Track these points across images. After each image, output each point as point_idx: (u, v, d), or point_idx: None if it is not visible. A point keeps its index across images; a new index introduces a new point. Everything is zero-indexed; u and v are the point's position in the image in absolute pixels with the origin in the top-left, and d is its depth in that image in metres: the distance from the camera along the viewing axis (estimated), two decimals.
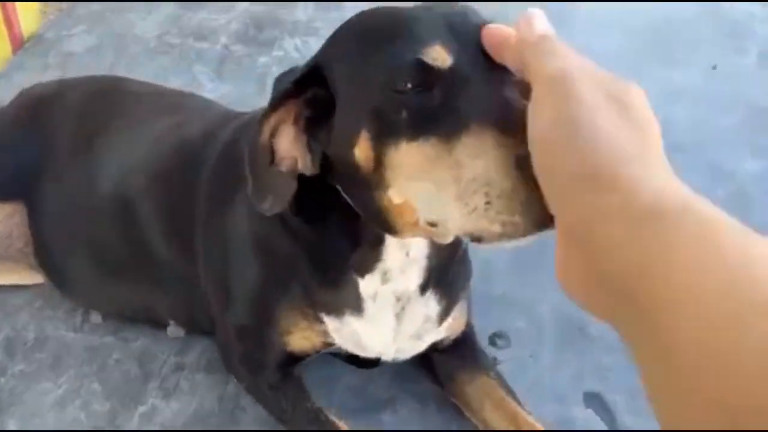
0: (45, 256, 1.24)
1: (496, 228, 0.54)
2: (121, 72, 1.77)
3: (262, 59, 1.86)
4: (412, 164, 0.63)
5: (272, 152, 0.74)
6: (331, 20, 1.94)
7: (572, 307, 0.42)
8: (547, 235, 0.51)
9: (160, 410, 1.12)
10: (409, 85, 0.62)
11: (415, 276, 0.91)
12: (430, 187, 0.61)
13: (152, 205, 1.09)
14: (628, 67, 1.51)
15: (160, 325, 1.21)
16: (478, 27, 0.63)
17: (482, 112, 0.58)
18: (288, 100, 0.72)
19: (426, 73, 0.62)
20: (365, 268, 0.88)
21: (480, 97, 0.60)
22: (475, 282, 1.18)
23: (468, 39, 0.63)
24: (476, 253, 1.26)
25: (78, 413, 1.12)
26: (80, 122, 1.23)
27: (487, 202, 0.54)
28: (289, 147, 0.74)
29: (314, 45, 1.90)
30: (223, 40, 1.94)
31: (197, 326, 1.17)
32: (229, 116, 1.13)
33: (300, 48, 1.91)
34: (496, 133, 0.55)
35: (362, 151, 0.67)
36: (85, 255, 1.18)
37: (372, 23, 0.70)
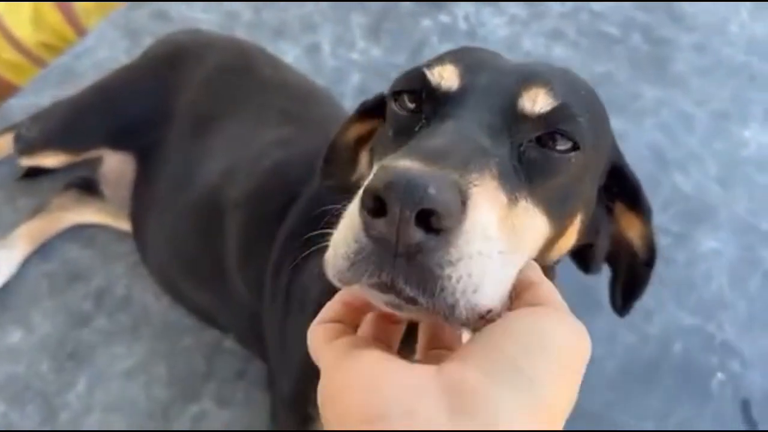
0: (134, 217, 1.24)
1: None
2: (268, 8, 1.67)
3: (425, 22, 1.67)
4: None
5: (355, 160, 0.72)
6: None
7: None
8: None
9: (211, 415, 1.13)
10: (406, 100, 0.55)
11: None
12: None
13: (237, 224, 1.03)
14: None
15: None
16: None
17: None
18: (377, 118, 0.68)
19: (422, 89, 0.55)
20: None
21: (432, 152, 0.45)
22: None
23: (504, 93, 0.52)
24: None
25: (139, 393, 1.15)
26: (204, 94, 1.17)
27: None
28: (366, 164, 0.71)
29: (487, 17, 1.68)
30: None
31: (254, 350, 1.14)
32: None
33: (471, 17, 1.69)
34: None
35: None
36: (165, 239, 1.16)
37: (452, 50, 0.61)
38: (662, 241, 1.32)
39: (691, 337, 1.22)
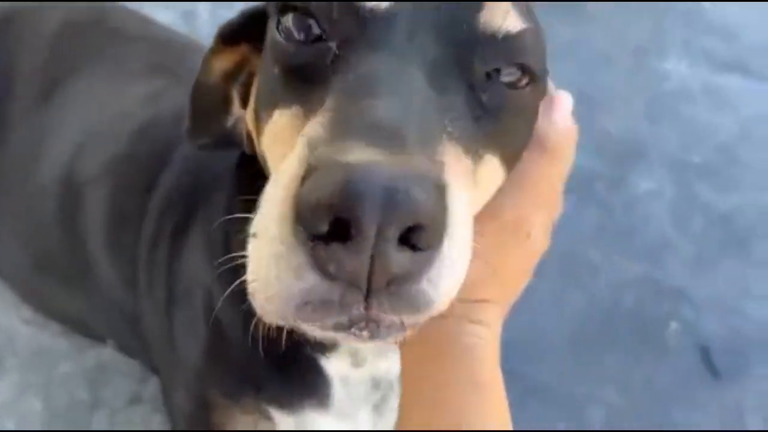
0: None
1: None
2: None
3: None
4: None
5: (228, 101, 0.57)
6: None
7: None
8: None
9: None
10: (303, 23, 0.40)
11: (396, 358, 0.63)
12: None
13: (99, 199, 0.83)
14: None
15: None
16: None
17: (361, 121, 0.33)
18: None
19: (331, 5, 0.39)
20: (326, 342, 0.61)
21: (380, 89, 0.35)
22: (517, 364, 0.93)
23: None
24: (525, 329, 0.99)
25: None
26: (51, 56, 0.97)
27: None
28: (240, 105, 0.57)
29: None
30: None
31: (141, 358, 0.94)
32: None
33: None
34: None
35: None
36: (19, 234, 0.95)
37: None
38: (597, 187, 1.22)
39: (639, 287, 1.12)
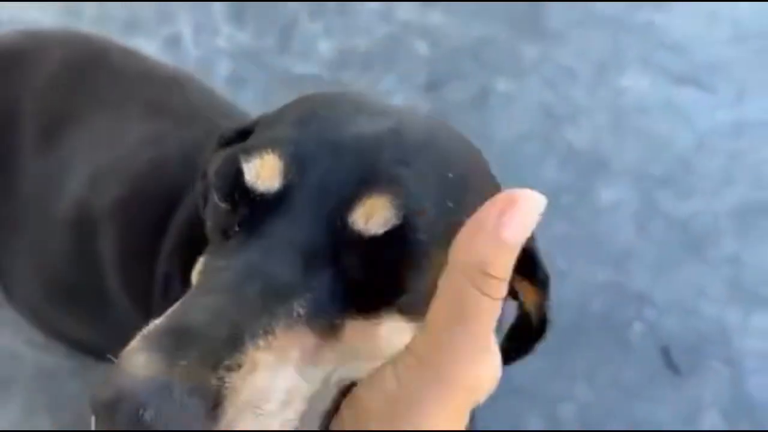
0: None
1: None
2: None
3: (292, 3, 1.56)
4: None
5: None
6: None
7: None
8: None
9: None
10: (219, 197, 0.44)
11: None
12: None
13: (111, 239, 0.88)
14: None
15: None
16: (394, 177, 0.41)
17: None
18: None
19: (237, 188, 0.43)
20: None
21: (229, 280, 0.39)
22: None
23: (352, 180, 0.41)
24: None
25: None
26: (53, 95, 1.00)
27: None
28: None
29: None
30: None
31: None
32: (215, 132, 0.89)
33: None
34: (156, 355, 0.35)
35: None
36: (34, 267, 0.99)
37: (304, 106, 0.48)
38: (564, 200, 1.31)
39: (605, 291, 1.21)
